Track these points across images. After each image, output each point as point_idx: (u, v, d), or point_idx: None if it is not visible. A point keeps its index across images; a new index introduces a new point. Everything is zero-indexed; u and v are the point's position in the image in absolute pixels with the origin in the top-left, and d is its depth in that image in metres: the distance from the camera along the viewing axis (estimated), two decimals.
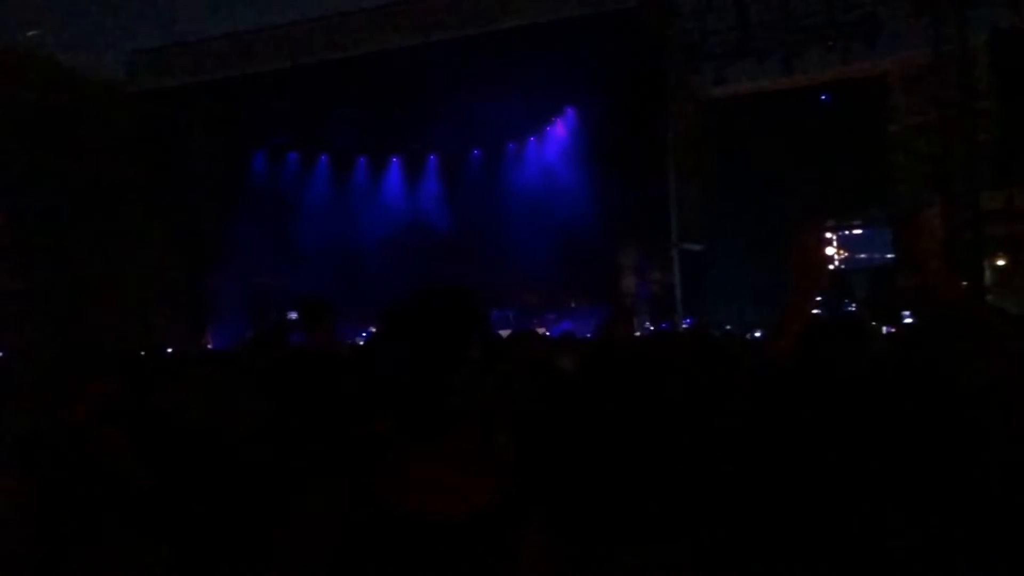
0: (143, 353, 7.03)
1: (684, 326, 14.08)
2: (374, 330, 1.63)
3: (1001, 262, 15.33)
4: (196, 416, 3.06)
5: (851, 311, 13.68)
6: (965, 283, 14.75)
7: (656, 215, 16.00)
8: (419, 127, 17.37)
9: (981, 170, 15.02)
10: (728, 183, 17.04)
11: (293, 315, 16.57)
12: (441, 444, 1.38)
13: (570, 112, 17.34)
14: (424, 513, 1.32)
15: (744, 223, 16.68)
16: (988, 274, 14.94)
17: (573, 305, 16.43)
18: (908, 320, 12.09)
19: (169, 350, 10.46)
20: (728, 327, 14.74)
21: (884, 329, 12.29)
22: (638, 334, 9.94)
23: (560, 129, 17.82)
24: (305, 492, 1.41)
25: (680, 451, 1.81)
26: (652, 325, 14.70)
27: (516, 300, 15.92)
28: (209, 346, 17.11)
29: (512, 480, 1.43)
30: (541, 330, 15.72)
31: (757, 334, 11.81)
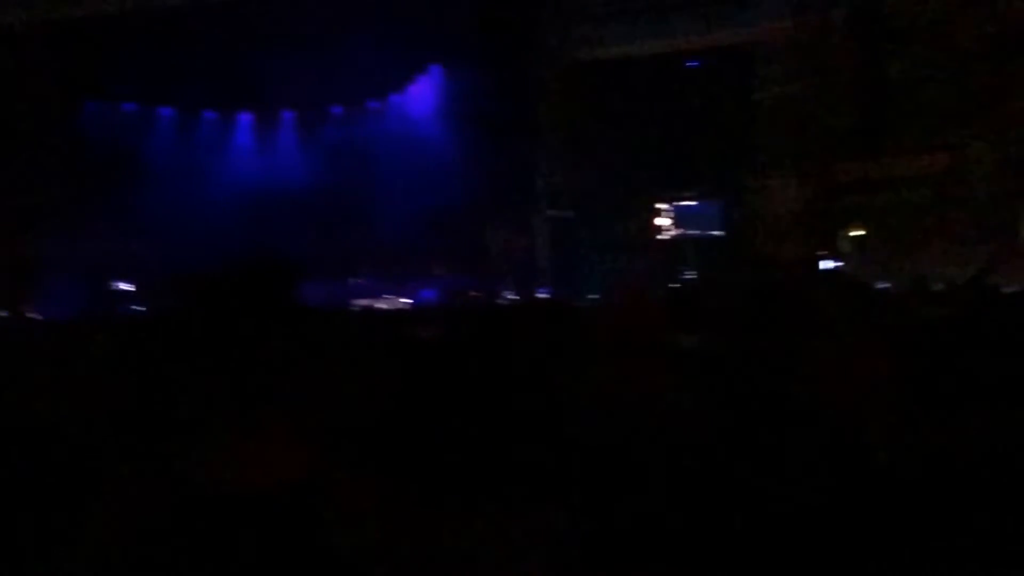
0: None
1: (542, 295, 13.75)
2: (178, 303, 1.44)
3: (857, 232, 15.76)
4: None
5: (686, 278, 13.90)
6: (824, 252, 15.22)
7: (525, 180, 15.68)
8: (273, 81, 16.15)
9: (838, 141, 15.35)
10: (598, 149, 16.76)
11: (121, 285, 15.37)
12: (251, 417, 1.35)
13: (435, 70, 16.57)
14: (237, 488, 1.28)
15: (614, 190, 16.45)
16: (846, 243, 15.33)
17: (438, 273, 15.86)
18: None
19: None
20: (596, 296, 14.52)
21: None
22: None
23: (425, 88, 17.01)
24: (112, 475, 1.38)
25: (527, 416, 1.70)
26: (519, 294, 14.28)
27: (377, 266, 15.16)
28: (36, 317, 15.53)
29: (328, 450, 1.39)
30: (404, 299, 15.14)
31: None
